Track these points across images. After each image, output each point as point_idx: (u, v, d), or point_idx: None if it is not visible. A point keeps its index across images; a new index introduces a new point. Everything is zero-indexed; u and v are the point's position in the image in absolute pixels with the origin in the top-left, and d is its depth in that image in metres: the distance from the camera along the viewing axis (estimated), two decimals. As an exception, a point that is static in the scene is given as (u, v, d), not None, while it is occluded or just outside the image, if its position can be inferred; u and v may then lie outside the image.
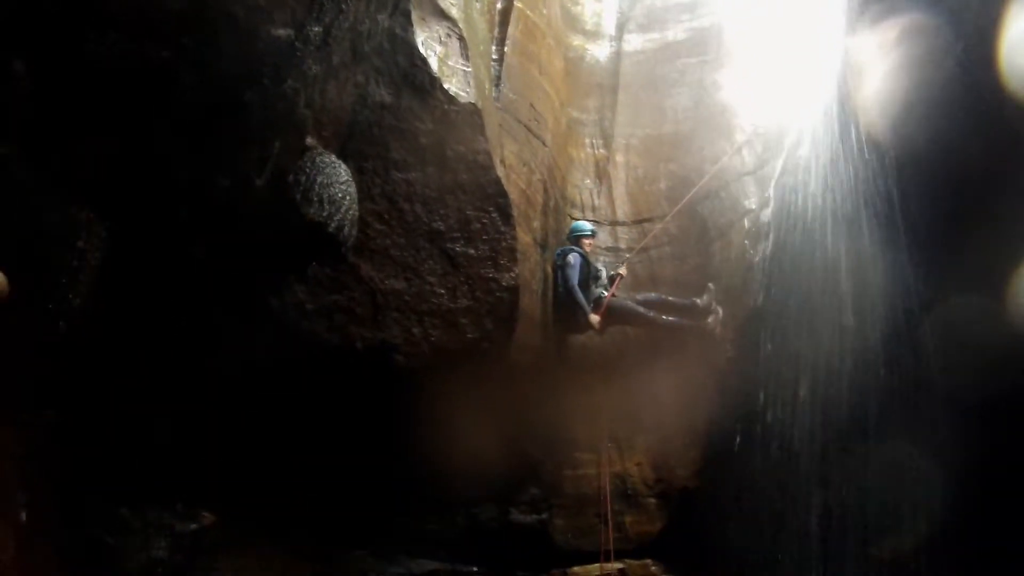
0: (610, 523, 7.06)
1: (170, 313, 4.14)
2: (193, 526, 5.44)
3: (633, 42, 9.36)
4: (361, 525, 6.44)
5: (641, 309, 7.44)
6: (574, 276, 7.29)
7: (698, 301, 7.34)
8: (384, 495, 6.25)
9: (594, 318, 7.29)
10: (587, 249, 7.56)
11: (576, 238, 7.61)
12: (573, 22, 9.38)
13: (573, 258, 7.35)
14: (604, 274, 7.68)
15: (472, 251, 5.85)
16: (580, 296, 7.27)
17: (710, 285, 7.37)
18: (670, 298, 7.55)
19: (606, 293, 7.47)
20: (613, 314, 7.43)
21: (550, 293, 7.38)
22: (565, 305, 7.35)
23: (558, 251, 7.50)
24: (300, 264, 5.21)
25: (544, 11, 7.92)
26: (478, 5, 6.54)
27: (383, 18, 5.08)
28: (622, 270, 7.72)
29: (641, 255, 8.14)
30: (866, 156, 5.12)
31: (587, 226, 7.73)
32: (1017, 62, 3.43)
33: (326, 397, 5.53)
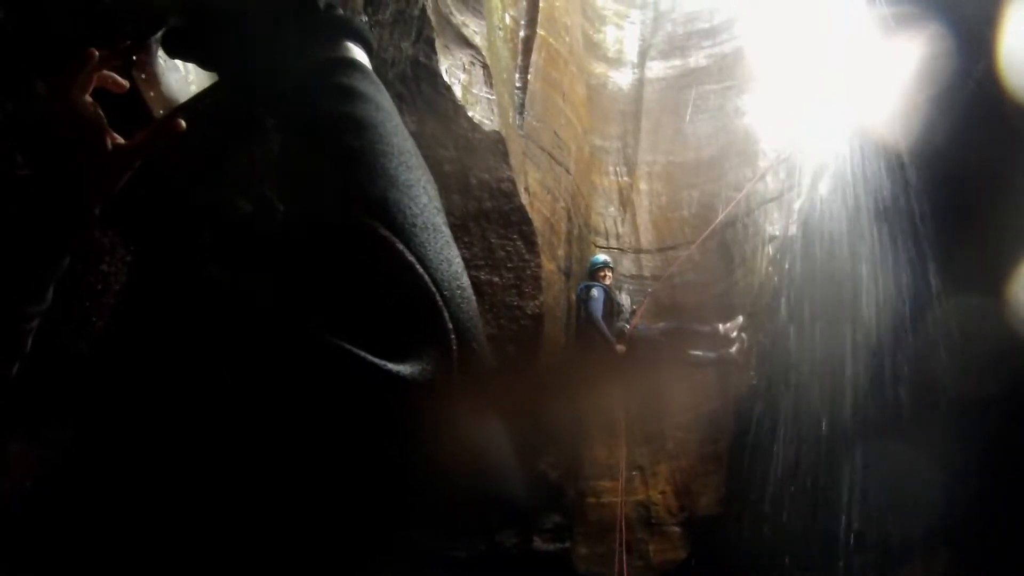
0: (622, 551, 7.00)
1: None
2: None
3: (655, 69, 9.38)
4: (381, 547, 6.43)
5: (665, 340, 7.41)
6: (598, 310, 7.28)
7: (720, 327, 7.29)
8: (404, 519, 6.23)
9: (620, 348, 7.26)
10: (607, 281, 7.56)
11: (593, 272, 7.63)
12: (595, 49, 9.41)
13: (596, 292, 7.35)
14: (627, 306, 7.67)
15: (496, 279, 5.85)
16: (604, 328, 7.26)
17: (739, 317, 7.31)
18: (693, 326, 7.51)
19: (629, 325, 7.46)
20: (637, 345, 7.40)
21: (573, 322, 7.37)
22: (588, 337, 7.33)
23: (581, 286, 7.51)
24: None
25: (567, 39, 7.96)
26: (501, 33, 6.59)
27: (407, 46, 5.13)
28: (644, 304, 7.72)
29: (664, 283, 8.11)
30: (888, 178, 5.10)
31: (600, 258, 7.75)
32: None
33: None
